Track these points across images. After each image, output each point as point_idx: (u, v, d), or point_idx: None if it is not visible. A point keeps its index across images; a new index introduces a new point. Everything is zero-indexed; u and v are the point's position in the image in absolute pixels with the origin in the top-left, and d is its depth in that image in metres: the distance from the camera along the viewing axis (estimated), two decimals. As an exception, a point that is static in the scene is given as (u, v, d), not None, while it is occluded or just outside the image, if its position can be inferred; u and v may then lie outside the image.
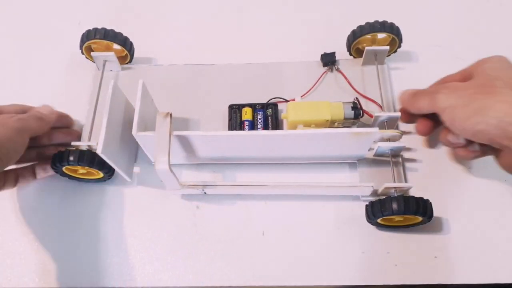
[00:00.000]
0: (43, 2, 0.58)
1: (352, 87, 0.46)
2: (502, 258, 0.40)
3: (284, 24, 0.55)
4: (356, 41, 0.46)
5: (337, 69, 0.48)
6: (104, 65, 0.48)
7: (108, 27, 0.46)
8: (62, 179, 0.44)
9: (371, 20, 0.45)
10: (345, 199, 0.42)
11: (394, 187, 0.40)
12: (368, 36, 0.45)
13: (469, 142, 0.40)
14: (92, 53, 0.47)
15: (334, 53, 0.48)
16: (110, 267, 0.41)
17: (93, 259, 0.41)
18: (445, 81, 0.41)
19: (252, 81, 0.48)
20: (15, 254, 0.42)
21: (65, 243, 0.42)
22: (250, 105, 0.45)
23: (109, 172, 0.42)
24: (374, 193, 0.41)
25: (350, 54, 0.49)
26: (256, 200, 0.43)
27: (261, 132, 0.39)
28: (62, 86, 0.50)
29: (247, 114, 0.45)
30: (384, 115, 0.42)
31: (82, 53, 0.48)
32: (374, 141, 0.41)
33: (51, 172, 0.43)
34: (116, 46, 0.47)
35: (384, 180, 0.41)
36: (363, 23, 0.45)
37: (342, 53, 0.48)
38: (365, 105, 0.45)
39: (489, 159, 0.40)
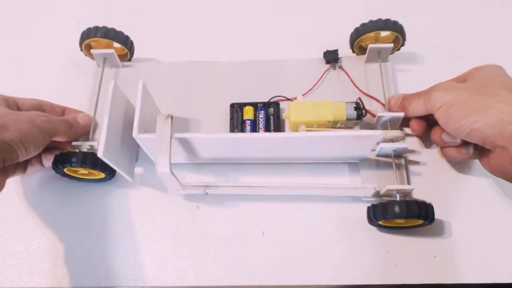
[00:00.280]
0: (43, 2, 0.57)
1: (355, 85, 0.46)
2: (502, 258, 0.40)
3: (287, 21, 0.54)
4: (359, 38, 0.45)
5: (340, 67, 0.48)
6: (104, 62, 0.47)
7: (109, 26, 0.46)
8: (63, 179, 0.44)
9: (374, 18, 0.44)
10: (345, 199, 0.42)
11: (396, 189, 0.39)
12: (372, 34, 0.45)
13: (464, 143, 0.39)
14: (92, 50, 0.46)
15: (336, 50, 0.47)
16: (111, 266, 0.41)
17: (94, 259, 0.41)
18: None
19: (254, 78, 0.48)
20: (16, 254, 0.42)
21: (65, 243, 0.42)
22: (251, 104, 0.45)
23: (111, 173, 0.42)
24: (376, 194, 0.41)
25: (353, 52, 0.48)
26: (257, 200, 0.43)
27: (262, 135, 0.38)
28: (62, 85, 0.50)
29: (248, 113, 0.44)
30: (387, 115, 0.42)
31: (81, 50, 0.47)
32: (377, 142, 0.41)
33: None
34: (116, 45, 0.47)
35: (386, 181, 0.41)
36: (366, 21, 0.45)
37: (344, 51, 0.48)
38: (368, 103, 0.45)
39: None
